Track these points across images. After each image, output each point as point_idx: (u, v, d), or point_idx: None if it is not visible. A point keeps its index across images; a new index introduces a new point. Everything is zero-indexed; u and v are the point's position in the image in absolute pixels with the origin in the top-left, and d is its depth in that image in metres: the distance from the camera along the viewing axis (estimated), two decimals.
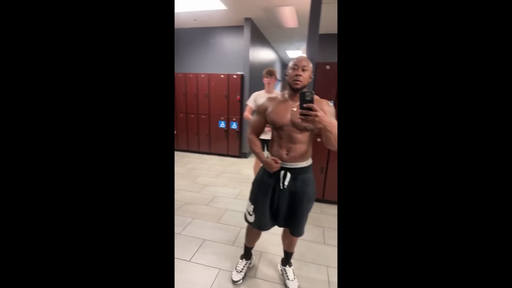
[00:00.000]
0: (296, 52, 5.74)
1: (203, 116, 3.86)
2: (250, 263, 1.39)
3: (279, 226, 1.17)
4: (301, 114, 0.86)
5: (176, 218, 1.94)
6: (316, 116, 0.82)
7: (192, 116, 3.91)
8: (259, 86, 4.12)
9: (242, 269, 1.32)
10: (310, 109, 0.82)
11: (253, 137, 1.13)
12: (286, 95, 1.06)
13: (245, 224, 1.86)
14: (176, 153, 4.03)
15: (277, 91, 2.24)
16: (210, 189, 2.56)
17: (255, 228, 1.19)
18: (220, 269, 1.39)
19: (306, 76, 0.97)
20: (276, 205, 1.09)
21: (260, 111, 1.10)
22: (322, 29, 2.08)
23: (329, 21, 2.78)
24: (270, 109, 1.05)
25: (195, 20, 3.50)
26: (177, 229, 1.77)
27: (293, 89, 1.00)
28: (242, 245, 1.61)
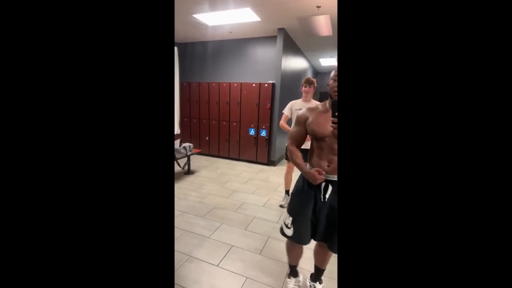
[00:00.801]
0: (330, 60, 5.62)
1: (234, 124, 3.98)
2: (300, 281, 1.33)
3: (316, 240, 1.11)
4: (333, 123, 0.83)
5: (205, 221, 2.00)
6: None
7: (224, 123, 4.06)
8: (290, 95, 4.13)
9: (294, 286, 1.28)
10: None
11: (294, 148, 1.10)
12: (327, 105, 1.03)
13: (273, 234, 1.85)
14: (207, 158, 4.20)
15: (314, 101, 2.17)
16: (239, 195, 2.59)
17: (294, 241, 1.13)
18: (247, 277, 1.38)
19: None
20: (317, 217, 1.04)
21: (300, 121, 1.08)
22: None
23: None
24: (310, 119, 1.03)
25: (230, 32, 3.68)
26: (206, 233, 1.83)
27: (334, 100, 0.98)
28: (269, 255, 1.59)
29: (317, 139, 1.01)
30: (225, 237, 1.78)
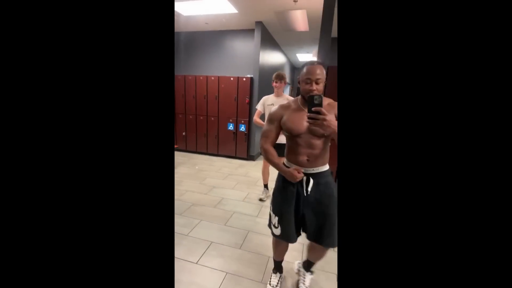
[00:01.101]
0: (307, 56, 5.72)
1: (212, 118, 3.89)
2: (283, 277, 1.34)
3: (309, 239, 1.10)
4: (309, 118, 0.85)
5: (183, 219, 1.95)
6: (325, 120, 0.81)
7: (201, 118, 3.95)
8: (268, 89, 4.13)
9: (277, 283, 1.28)
10: (319, 112, 0.81)
11: (268, 147, 1.08)
12: (300, 103, 1.03)
13: (253, 228, 1.86)
14: (184, 154, 4.07)
15: (286, 95, 2.22)
16: (218, 191, 2.56)
17: (283, 240, 1.13)
18: (227, 272, 1.38)
19: (320, 88, 0.94)
20: (302, 214, 1.05)
21: (274, 119, 1.07)
22: (334, 33, 2.05)
23: None
24: (285, 117, 1.03)
25: (206, 23, 3.55)
26: (184, 230, 1.78)
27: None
28: (249, 249, 1.60)
29: (293, 136, 1.02)
30: (204, 233, 1.76)
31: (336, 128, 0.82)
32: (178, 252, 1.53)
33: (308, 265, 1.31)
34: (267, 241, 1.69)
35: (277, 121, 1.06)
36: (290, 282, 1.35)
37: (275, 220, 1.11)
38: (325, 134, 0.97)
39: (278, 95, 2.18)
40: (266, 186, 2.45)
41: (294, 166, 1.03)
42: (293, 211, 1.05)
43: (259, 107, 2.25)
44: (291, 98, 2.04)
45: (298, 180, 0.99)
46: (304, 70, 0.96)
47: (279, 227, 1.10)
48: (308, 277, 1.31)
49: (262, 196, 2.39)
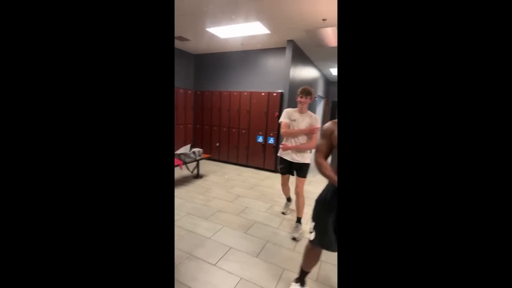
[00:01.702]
0: None
1: (243, 131, 4.09)
2: None
3: None
4: None
5: (208, 223, 2.09)
6: None
7: (234, 130, 4.19)
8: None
9: None
10: None
11: (322, 161, 1.15)
12: None
13: (272, 239, 1.90)
14: (217, 163, 4.33)
15: (310, 112, 1.99)
16: (243, 200, 2.66)
17: (317, 245, 1.18)
18: (241, 278, 1.44)
19: None
20: None
21: (326, 134, 1.14)
22: None
23: None
24: (336, 133, 1.09)
25: (242, 44, 3.86)
26: (207, 234, 1.91)
27: None
28: (266, 259, 1.63)
29: None
30: (225, 239, 1.85)
31: None
32: (200, 252, 1.65)
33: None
34: (285, 253, 1.70)
35: (328, 136, 1.13)
36: None
37: (311, 225, 1.19)
38: None
39: (302, 112, 1.97)
40: (288, 199, 2.44)
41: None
42: (330, 220, 1.10)
43: (284, 119, 2.03)
44: (316, 116, 1.96)
45: None
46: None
47: (314, 232, 1.17)
48: None
49: (284, 210, 2.40)
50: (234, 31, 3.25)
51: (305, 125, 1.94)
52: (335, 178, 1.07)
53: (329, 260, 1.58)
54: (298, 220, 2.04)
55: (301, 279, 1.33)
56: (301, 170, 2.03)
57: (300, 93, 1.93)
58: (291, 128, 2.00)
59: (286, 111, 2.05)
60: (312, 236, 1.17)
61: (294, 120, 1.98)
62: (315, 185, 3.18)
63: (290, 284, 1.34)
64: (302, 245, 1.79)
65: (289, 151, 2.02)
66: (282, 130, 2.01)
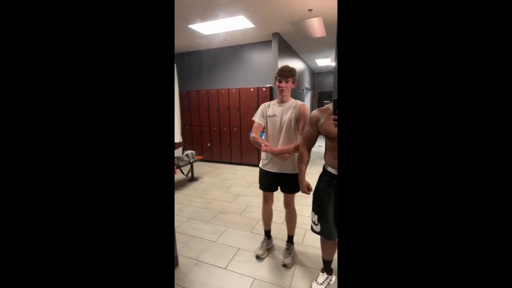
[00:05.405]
0: (326, 60, 5.68)
1: (235, 129, 4.02)
2: (332, 280, 1.34)
3: None
4: (334, 120, 0.88)
5: (211, 226, 2.03)
6: None
7: (225, 129, 4.11)
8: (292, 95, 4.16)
9: (323, 282, 1.31)
10: None
11: (304, 151, 1.17)
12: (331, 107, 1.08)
13: (279, 235, 1.87)
14: (210, 164, 4.24)
15: (293, 100, 1.41)
16: (243, 199, 2.62)
17: (324, 237, 1.20)
18: (255, 278, 1.40)
19: None
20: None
21: (313, 122, 1.12)
22: None
23: None
24: (322, 120, 1.07)
25: (226, 40, 3.75)
26: (212, 237, 1.85)
27: None
28: (276, 256, 1.61)
29: (331, 139, 1.06)
30: (231, 240, 1.81)
31: None
32: (207, 257, 1.60)
33: (326, 267, 1.37)
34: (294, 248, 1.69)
35: (315, 124, 1.11)
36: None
37: (315, 218, 1.19)
38: None
39: (283, 101, 1.40)
40: (267, 234, 1.68)
41: (329, 169, 1.10)
42: (331, 211, 1.10)
43: (257, 118, 1.47)
44: (303, 104, 1.38)
45: (308, 193, 1.18)
46: None
47: (319, 225, 1.17)
48: (323, 276, 1.33)
49: (258, 253, 1.56)
50: (217, 27, 3.15)
51: (289, 120, 1.36)
52: (304, 178, 1.21)
53: None
54: (290, 240, 1.61)
55: (326, 268, 1.34)
56: (290, 184, 1.44)
57: (278, 76, 1.33)
58: (269, 128, 1.44)
59: (262, 106, 1.49)
60: (318, 229, 1.18)
61: (273, 115, 1.41)
62: (311, 177, 3.20)
63: (318, 274, 1.35)
64: (310, 238, 1.78)
65: (274, 159, 1.43)
66: (252, 135, 1.46)
